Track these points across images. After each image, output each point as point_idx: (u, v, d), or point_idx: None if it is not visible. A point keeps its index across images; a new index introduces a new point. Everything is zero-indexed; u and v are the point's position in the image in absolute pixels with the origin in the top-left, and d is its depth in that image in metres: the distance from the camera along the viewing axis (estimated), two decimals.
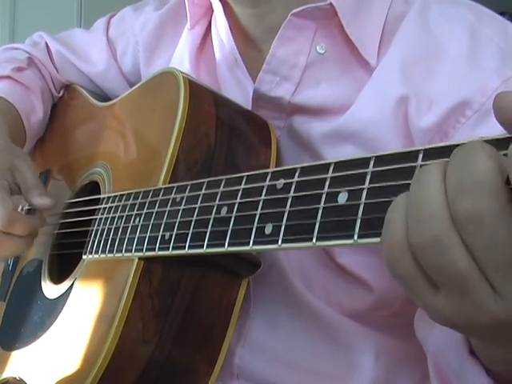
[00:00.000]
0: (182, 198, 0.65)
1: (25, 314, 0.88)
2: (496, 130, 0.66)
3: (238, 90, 0.84)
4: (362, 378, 0.78)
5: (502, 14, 0.80)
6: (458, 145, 0.41)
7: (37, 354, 0.81)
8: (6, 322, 0.93)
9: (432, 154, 0.43)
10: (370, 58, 0.75)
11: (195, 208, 0.62)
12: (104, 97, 1.06)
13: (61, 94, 1.09)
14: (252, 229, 0.54)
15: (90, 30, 1.10)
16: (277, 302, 0.78)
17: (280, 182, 0.54)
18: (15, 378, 0.84)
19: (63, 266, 0.87)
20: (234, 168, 0.75)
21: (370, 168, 0.46)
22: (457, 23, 0.73)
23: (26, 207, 0.91)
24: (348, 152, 0.73)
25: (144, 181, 0.74)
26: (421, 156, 0.44)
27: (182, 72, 0.78)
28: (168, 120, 0.74)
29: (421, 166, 0.43)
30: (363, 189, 0.46)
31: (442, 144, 0.43)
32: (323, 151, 0.76)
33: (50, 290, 0.85)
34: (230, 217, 0.57)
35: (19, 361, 0.85)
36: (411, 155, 0.44)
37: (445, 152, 0.42)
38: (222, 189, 0.60)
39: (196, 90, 0.76)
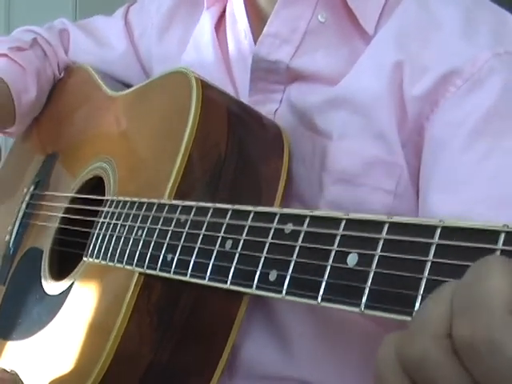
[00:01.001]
0: (187, 221, 0.63)
1: (23, 304, 0.88)
2: (485, 101, 0.68)
3: (242, 68, 0.84)
4: (350, 359, 0.78)
5: None
6: (477, 229, 0.39)
7: (32, 350, 0.80)
8: (4, 308, 0.93)
9: (451, 231, 0.41)
10: (368, 27, 0.76)
11: (199, 235, 0.60)
12: (115, 80, 1.04)
13: (62, 75, 1.08)
14: (256, 272, 0.53)
15: (111, 16, 1.09)
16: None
17: (288, 228, 0.52)
18: (6, 370, 0.84)
19: (63, 261, 0.86)
20: (243, 180, 0.73)
21: (384, 234, 0.44)
22: (454, 5, 0.75)
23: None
24: (340, 119, 0.75)
25: (150, 189, 0.72)
26: (438, 232, 0.42)
27: (194, 73, 0.75)
28: (177, 126, 0.72)
29: (437, 244, 0.41)
30: (374, 255, 0.44)
31: (462, 224, 0.41)
32: (316, 119, 0.77)
33: (50, 285, 0.84)
34: (235, 253, 0.56)
35: (13, 353, 0.84)
36: (428, 230, 0.42)
37: (463, 233, 0.40)
38: (227, 220, 0.58)
39: (208, 95, 0.73)
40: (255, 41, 0.83)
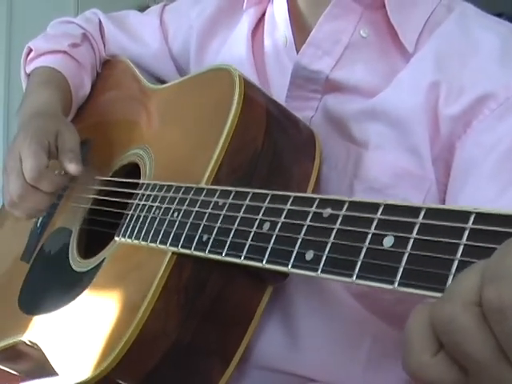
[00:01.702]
0: (225, 204, 0.66)
1: (49, 281, 0.91)
2: None
3: (278, 73, 0.88)
4: (357, 358, 0.81)
5: (499, 15, 0.88)
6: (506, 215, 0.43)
7: (56, 324, 0.83)
8: (29, 285, 0.96)
9: (484, 218, 0.44)
10: (408, 45, 0.80)
11: (237, 217, 0.64)
12: (151, 75, 1.08)
13: (100, 70, 1.13)
14: (293, 252, 0.56)
15: (144, 13, 1.13)
16: None
17: (327, 212, 0.55)
18: (28, 343, 0.87)
19: (92, 241, 0.89)
20: (276, 177, 0.76)
21: (420, 219, 0.48)
22: (491, 32, 0.78)
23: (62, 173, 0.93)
24: (376, 130, 0.79)
25: (187, 176, 0.76)
26: (472, 218, 0.45)
27: (237, 71, 0.79)
28: (218, 118, 0.75)
29: (471, 228, 0.45)
30: (410, 238, 0.48)
31: (495, 211, 0.44)
32: (352, 128, 0.81)
33: (78, 262, 0.87)
34: (272, 234, 0.59)
35: (37, 326, 0.87)
36: (462, 215, 0.46)
37: (494, 219, 0.44)
38: (266, 204, 0.61)
39: (250, 92, 0.77)
40: (296, 49, 0.86)
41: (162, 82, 1.07)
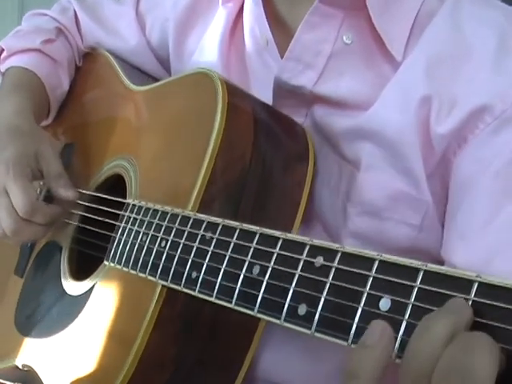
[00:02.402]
0: (212, 239, 0.62)
1: (42, 300, 0.88)
2: None
3: (264, 77, 0.82)
4: None
5: None
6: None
7: (52, 350, 0.81)
8: (23, 302, 0.93)
9: (485, 289, 0.40)
10: (396, 53, 0.73)
11: (225, 256, 0.60)
12: (133, 68, 1.02)
13: (80, 64, 1.07)
14: (284, 304, 0.52)
15: (119, 1, 1.05)
16: None
17: (318, 261, 0.51)
18: (25, 367, 0.85)
19: (83, 260, 0.86)
20: (268, 188, 0.72)
21: (418, 283, 0.44)
22: (487, 26, 0.72)
23: (44, 192, 0.89)
24: (367, 150, 0.73)
25: (173, 195, 0.72)
26: (475, 287, 0.41)
27: (219, 76, 0.73)
28: (202, 132, 0.71)
29: (472, 301, 0.41)
30: (408, 304, 0.44)
31: (501, 283, 0.40)
32: (343, 146, 0.75)
33: (70, 284, 0.84)
34: (262, 281, 0.55)
35: (32, 350, 0.85)
36: (463, 283, 0.42)
37: (499, 295, 0.40)
38: (255, 244, 0.57)
39: (234, 99, 0.72)
40: (278, 48, 0.80)
41: (145, 73, 1.02)
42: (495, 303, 0.40)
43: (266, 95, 0.80)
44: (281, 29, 0.81)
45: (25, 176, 0.83)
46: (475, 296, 0.41)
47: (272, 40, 0.81)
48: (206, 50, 0.91)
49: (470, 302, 0.41)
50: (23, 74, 0.98)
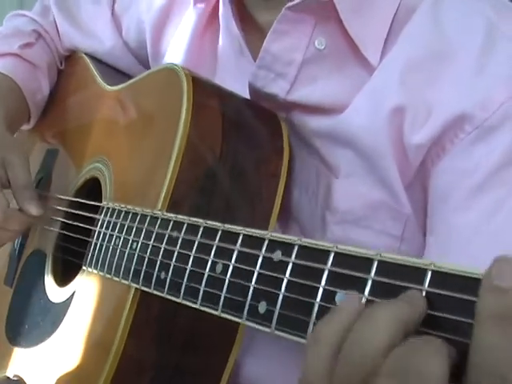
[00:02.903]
0: (178, 239, 0.60)
1: (29, 309, 0.87)
2: (493, 154, 0.61)
3: (241, 79, 0.78)
4: None
5: None
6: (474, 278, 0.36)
7: (39, 359, 0.80)
8: (13, 312, 0.92)
9: (440, 280, 0.38)
10: (370, 56, 0.69)
11: (190, 256, 0.58)
12: (111, 68, 1.01)
13: (63, 67, 1.04)
14: (245, 303, 0.50)
15: (96, 1, 1.03)
16: None
17: (277, 255, 0.49)
18: (15, 377, 0.84)
19: (67, 267, 0.85)
20: (242, 181, 0.70)
21: (372, 275, 0.41)
22: (473, 19, 0.66)
23: None
24: (346, 157, 0.70)
25: (144, 194, 0.70)
26: (429, 276, 0.38)
27: (185, 70, 0.71)
28: (170, 128, 0.68)
29: (426, 291, 0.38)
30: (362, 298, 0.41)
31: (453, 270, 0.37)
32: (321, 149, 0.72)
33: (53, 291, 0.83)
34: (224, 279, 0.53)
35: (21, 360, 0.84)
36: (418, 273, 0.39)
37: (453, 284, 0.37)
38: (217, 242, 0.55)
39: (201, 94, 0.69)
40: (250, 51, 0.78)
41: (122, 73, 1.00)
42: (447, 293, 0.37)
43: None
44: (254, 32, 0.77)
45: None
46: (429, 286, 0.38)
47: (244, 45, 0.78)
48: (175, 50, 0.88)
49: (424, 293, 0.38)
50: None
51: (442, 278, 0.38)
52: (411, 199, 0.67)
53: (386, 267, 0.41)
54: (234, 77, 0.80)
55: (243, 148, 0.71)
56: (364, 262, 0.42)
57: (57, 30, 1.03)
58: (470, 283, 0.36)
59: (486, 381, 0.32)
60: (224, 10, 0.80)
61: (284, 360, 0.75)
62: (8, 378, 0.85)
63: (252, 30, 0.78)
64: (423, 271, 0.39)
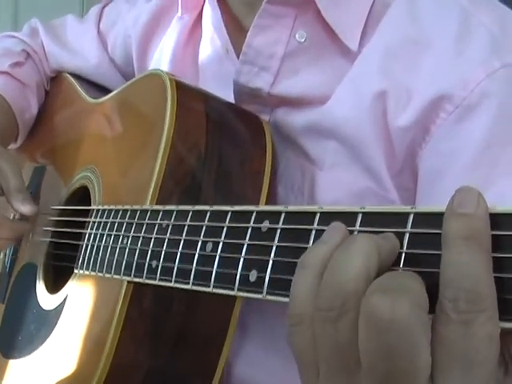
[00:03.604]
0: (168, 226, 0.61)
1: (21, 321, 0.87)
2: (478, 131, 0.63)
3: (225, 85, 0.80)
4: None
5: None
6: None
7: (33, 368, 0.80)
8: (5, 326, 0.92)
9: (421, 222, 0.39)
10: (350, 43, 0.71)
11: (180, 240, 0.59)
12: (95, 85, 1.03)
13: (48, 88, 1.07)
14: (236, 274, 0.51)
15: (83, 19, 1.06)
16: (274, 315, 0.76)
17: (265, 225, 0.50)
18: None
19: (57, 274, 0.85)
20: (227, 178, 0.71)
21: (357, 226, 0.43)
22: (448, 8, 0.68)
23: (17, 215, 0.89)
24: (330, 149, 0.71)
25: (133, 195, 0.71)
26: (411, 219, 0.40)
27: (169, 74, 0.73)
28: (155, 129, 0.70)
29: (409, 233, 0.40)
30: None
31: (433, 210, 0.39)
32: (305, 144, 0.74)
33: (45, 299, 0.83)
34: (215, 256, 0.54)
35: (15, 372, 0.84)
36: (401, 218, 0.40)
37: (430, 223, 0.38)
38: (206, 223, 0.56)
39: (184, 95, 0.72)
40: (237, 55, 0.79)
41: (105, 88, 1.02)
42: (427, 231, 0.38)
43: None
44: (239, 34, 0.80)
45: None
46: (411, 228, 0.39)
47: (232, 49, 0.80)
48: (159, 62, 0.91)
49: (407, 235, 0.40)
50: None
51: (423, 219, 0.39)
52: (400, 188, 0.68)
53: (370, 218, 0.42)
54: (217, 83, 0.82)
55: (227, 147, 0.73)
56: (349, 216, 0.43)
57: (44, 52, 1.06)
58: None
59: (453, 296, 0.33)
60: (213, 15, 0.83)
61: (275, 359, 0.76)
62: None
63: (237, 31, 0.80)
64: (405, 215, 0.40)
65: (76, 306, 0.75)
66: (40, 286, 0.86)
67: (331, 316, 0.36)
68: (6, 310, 0.94)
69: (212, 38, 0.84)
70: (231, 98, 0.79)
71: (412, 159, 0.67)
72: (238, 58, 0.79)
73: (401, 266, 0.39)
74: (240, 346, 0.76)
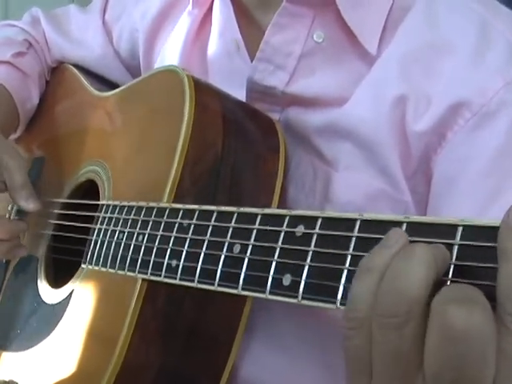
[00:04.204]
0: (190, 225, 0.61)
1: (20, 313, 0.86)
2: (494, 139, 0.65)
3: (234, 80, 0.80)
4: None
5: None
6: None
7: (34, 361, 0.79)
8: (2, 317, 0.91)
9: (469, 233, 0.40)
10: (369, 46, 0.72)
11: (204, 240, 0.59)
12: (99, 78, 1.01)
13: (49, 78, 1.05)
14: (268, 278, 0.51)
15: (87, 9, 1.05)
16: (281, 314, 0.76)
17: (299, 230, 0.50)
18: (6, 381, 0.82)
19: (60, 268, 0.85)
20: (242, 179, 0.71)
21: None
22: (466, 17, 0.70)
23: (16, 207, 0.88)
24: (346, 150, 0.72)
25: (147, 192, 0.70)
26: (459, 234, 0.41)
27: (186, 71, 0.73)
28: (172, 127, 0.70)
29: (459, 245, 0.40)
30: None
31: (483, 223, 0.40)
32: (319, 144, 0.74)
33: (48, 293, 0.82)
34: (244, 258, 0.54)
35: (14, 364, 0.83)
36: (448, 229, 0.41)
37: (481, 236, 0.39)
38: (233, 224, 0.56)
39: (202, 94, 0.71)
40: (248, 51, 0.79)
41: (112, 84, 1.01)
42: (477, 243, 0.39)
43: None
44: (252, 30, 0.80)
45: None
46: (460, 240, 0.40)
47: (243, 45, 0.80)
48: (167, 56, 0.90)
49: (456, 247, 0.40)
50: None
51: (472, 231, 0.40)
52: (413, 191, 0.69)
53: (415, 228, 0.43)
54: (226, 79, 0.81)
55: (242, 148, 0.73)
56: (393, 225, 0.44)
57: (46, 41, 1.04)
58: (493, 232, 0.38)
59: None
60: (224, 10, 0.82)
61: (282, 359, 0.76)
62: (5, 382, 0.84)
63: (249, 28, 0.80)
64: (454, 227, 0.41)
65: (83, 302, 0.74)
66: (41, 280, 0.85)
67: (395, 322, 0.37)
68: (1, 301, 0.92)
69: (222, 33, 0.84)
70: (240, 95, 0.78)
71: (426, 163, 0.69)
72: (249, 54, 0.79)
73: (449, 276, 0.40)
74: (246, 346, 0.76)
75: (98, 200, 0.79)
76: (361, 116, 0.70)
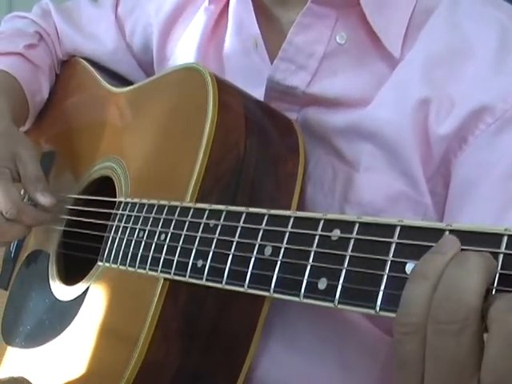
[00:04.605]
0: (217, 226, 0.61)
1: (31, 309, 0.86)
2: None
3: (252, 78, 0.80)
4: (370, 377, 0.75)
5: None
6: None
7: (47, 359, 0.78)
8: (10, 313, 0.90)
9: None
10: (393, 49, 0.72)
11: (233, 241, 0.59)
12: (112, 73, 1.01)
13: (59, 71, 1.05)
14: (302, 281, 0.52)
15: (98, 3, 1.04)
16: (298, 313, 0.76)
17: (335, 234, 0.51)
18: (17, 378, 0.82)
19: (73, 265, 0.84)
20: (262, 179, 0.71)
21: None
22: (487, 24, 0.71)
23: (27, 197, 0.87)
24: (367, 151, 0.72)
25: (167, 191, 0.70)
26: (504, 243, 0.41)
27: (208, 70, 0.73)
28: (195, 126, 0.70)
29: (504, 254, 0.41)
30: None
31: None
32: (339, 145, 0.74)
33: (61, 290, 0.82)
34: (276, 260, 0.54)
35: (24, 360, 0.82)
36: (492, 238, 0.42)
37: None
38: (264, 226, 0.57)
39: (224, 93, 0.71)
40: (267, 50, 0.79)
41: (124, 79, 1.00)
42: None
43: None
44: (272, 28, 0.80)
45: (4, 178, 0.81)
46: (506, 249, 0.41)
47: (262, 42, 0.79)
48: (183, 52, 0.90)
49: (502, 256, 0.41)
50: (3, 77, 0.95)
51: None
52: (432, 192, 0.70)
53: (460, 236, 0.43)
54: (243, 76, 0.81)
55: (263, 148, 0.73)
56: (434, 232, 0.44)
57: (56, 34, 1.03)
58: None
59: None
60: (242, 8, 0.82)
61: (298, 358, 0.77)
62: (15, 378, 0.83)
63: (268, 25, 0.80)
64: (499, 236, 0.41)
65: (100, 300, 0.74)
66: (54, 276, 0.85)
67: (454, 329, 0.37)
68: (10, 296, 0.92)
69: (239, 29, 0.84)
70: (258, 94, 0.78)
71: (445, 166, 0.70)
72: (268, 52, 0.79)
73: (495, 285, 0.41)
74: (264, 345, 0.76)
75: (113, 196, 0.78)
76: (384, 118, 0.71)
